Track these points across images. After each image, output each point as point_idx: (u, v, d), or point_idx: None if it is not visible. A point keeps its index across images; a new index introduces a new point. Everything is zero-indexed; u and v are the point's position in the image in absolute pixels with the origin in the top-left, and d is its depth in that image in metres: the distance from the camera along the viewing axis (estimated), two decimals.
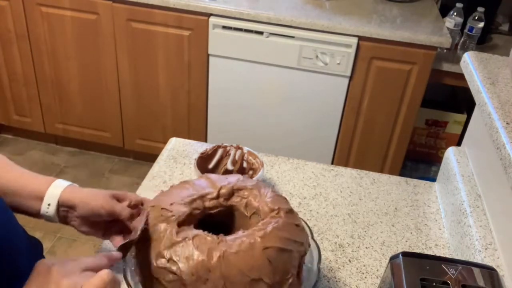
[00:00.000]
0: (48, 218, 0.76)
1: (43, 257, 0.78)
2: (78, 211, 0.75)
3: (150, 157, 2.39)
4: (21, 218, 0.72)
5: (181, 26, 2.09)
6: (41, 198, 0.74)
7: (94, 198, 0.75)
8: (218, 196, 0.77)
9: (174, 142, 1.24)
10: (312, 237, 0.81)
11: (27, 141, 2.73)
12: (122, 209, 0.76)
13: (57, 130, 2.57)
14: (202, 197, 0.76)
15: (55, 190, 0.74)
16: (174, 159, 1.17)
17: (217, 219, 0.77)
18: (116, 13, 2.13)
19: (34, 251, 0.75)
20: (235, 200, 0.78)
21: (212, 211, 0.76)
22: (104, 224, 0.78)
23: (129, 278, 0.70)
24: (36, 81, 2.43)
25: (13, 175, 0.76)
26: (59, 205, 0.74)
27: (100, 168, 2.61)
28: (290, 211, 0.75)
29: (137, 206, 0.78)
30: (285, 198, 0.79)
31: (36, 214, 0.75)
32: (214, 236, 0.68)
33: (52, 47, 2.30)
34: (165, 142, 1.25)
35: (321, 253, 0.93)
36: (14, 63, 2.40)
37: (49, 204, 0.73)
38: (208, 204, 0.76)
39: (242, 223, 0.77)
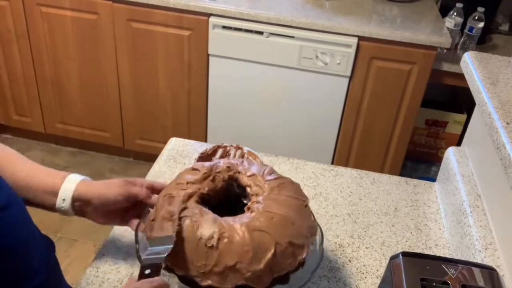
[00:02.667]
0: (63, 212, 0.78)
1: (55, 257, 0.79)
2: (94, 205, 0.78)
3: (150, 157, 2.39)
4: None
5: (181, 26, 2.09)
6: (55, 193, 0.76)
7: (109, 188, 0.78)
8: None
9: (174, 142, 1.24)
10: (322, 243, 0.81)
11: (27, 141, 2.73)
12: (139, 190, 0.79)
13: (57, 130, 2.57)
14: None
15: (69, 185, 0.76)
16: (174, 159, 1.17)
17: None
18: (116, 13, 2.13)
19: (47, 251, 0.76)
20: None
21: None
22: (120, 212, 0.81)
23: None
24: (36, 81, 2.43)
25: (27, 170, 0.78)
26: (74, 199, 0.76)
27: (100, 168, 2.61)
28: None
29: (149, 190, 0.82)
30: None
31: (51, 208, 0.77)
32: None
33: (52, 47, 2.30)
34: (165, 142, 1.25)
35: None
36: (14, 63, 2.40)
37: (63, 199, 0.76)
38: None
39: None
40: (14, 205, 0.66)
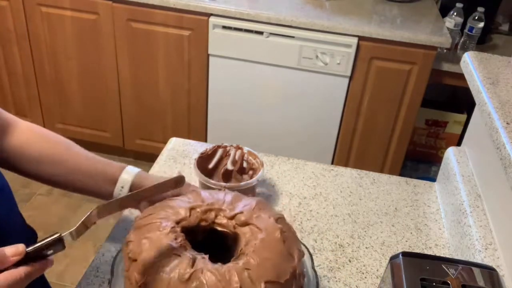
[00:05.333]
0: None
1: None
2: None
3: (150, 157, 2.39)
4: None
5: (181, 26, 2.09)
6: (114, 182, 0.84)
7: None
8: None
9: (174, 142, 1.24)
10: (313, 267, 0.78)
11: None
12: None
13: (57, 130, 2.56)
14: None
15: (127, 176, 0.85)
16: (174, 159, 1.17)
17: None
18: (116, 13, 2.13)
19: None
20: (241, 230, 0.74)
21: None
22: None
23: None
24: (36, 81, 2.43)
25: (89, 160, 0.87)
26: (131, 189, 0.84)
27: None
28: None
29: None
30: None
31: (106, 196, 0.85)
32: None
33: (52, 47, 2.30)
34: (165, 142, 1.25)
35: (321, 253, 0.93)
36: (14, 63, 2.40)
37: (122, 187, 0.84)
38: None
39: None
40: None
